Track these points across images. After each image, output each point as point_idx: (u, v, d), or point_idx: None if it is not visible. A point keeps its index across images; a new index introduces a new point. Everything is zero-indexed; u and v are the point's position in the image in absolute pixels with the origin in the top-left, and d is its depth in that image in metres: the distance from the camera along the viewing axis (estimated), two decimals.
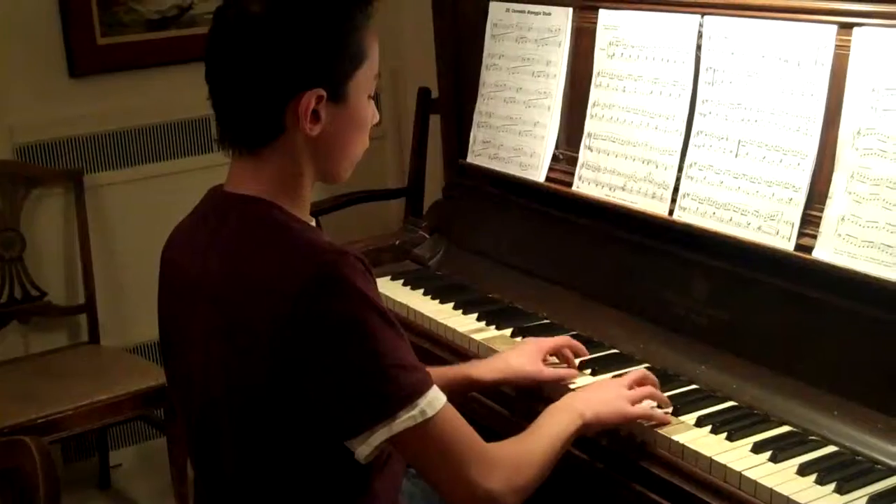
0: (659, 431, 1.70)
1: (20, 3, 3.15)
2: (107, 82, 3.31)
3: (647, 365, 1.92)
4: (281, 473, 1.49)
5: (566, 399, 1.73)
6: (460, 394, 1.88)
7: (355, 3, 1.48)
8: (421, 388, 1.44)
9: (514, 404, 1.94)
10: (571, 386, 1.87)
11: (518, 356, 1.90)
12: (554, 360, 1.94)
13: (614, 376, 1.86)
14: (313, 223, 1.56)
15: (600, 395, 1.73)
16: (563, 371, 1.90)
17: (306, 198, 1.55)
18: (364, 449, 1.43)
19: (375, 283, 1.46)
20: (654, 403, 1.75)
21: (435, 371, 1.89)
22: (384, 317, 1.42)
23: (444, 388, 1.86)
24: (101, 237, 3.36)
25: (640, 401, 1.73)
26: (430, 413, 1.43)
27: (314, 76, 1.45)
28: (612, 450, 1.74)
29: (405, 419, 1.41)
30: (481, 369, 1.89)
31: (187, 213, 1.64)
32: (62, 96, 3.26)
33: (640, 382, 1.77)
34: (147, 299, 3.31)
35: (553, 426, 1.63)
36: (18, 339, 3.29)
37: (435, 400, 1.45)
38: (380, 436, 1.42)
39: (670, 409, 1.75)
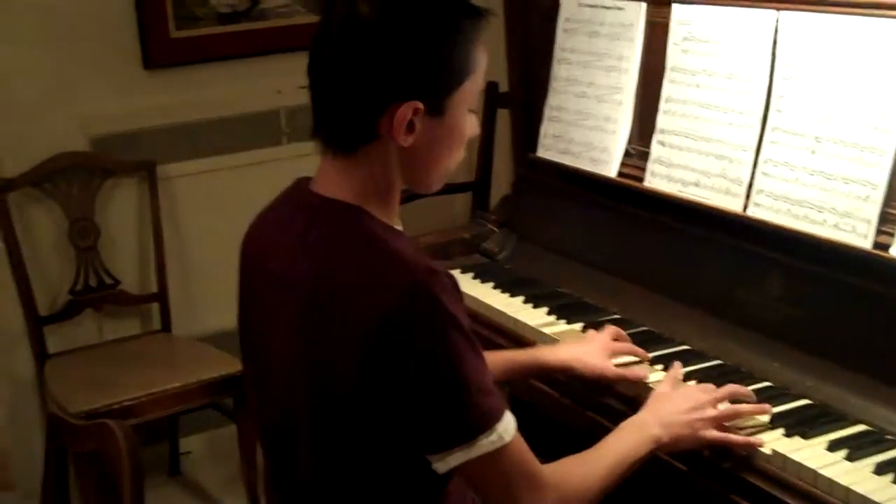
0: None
1: None
2: (180, 74, 3.36)
3: (719, 361, 1.92)
4: (358, 473, 1.50)
5: (644, 416, 1.69)
6: (529, 377, 1.92)
7: (465, 17, 1.45)
8: (499, 414, 1.44)
9: (579, 394, 1.95)
10: (649, 384, 1.86)
11: (588, 349, 1.91)
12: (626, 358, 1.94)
13: (686, 376, 1.84)
14: (400, 227, 1.55)
15: (682, 415, 1.67)
16: (631, 371, 1.90)
17: (395, 204, 1.54)
18: (440, 466, 1.44)
19: (462, 300, 1.45)
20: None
21: (504, 354, 1.93)
22: (469, 339, 1.42)
23: (514, 371, 1.89)
24: (173, 227, 3.41)
25: (726, 420, 1.69)
26: (507, 439, 1.44)
27: (414, 88, 1.42)
28: None
29: (485, 444, 1.42)
30: (550, 355, 1.91)
31: (267, 205, 1.63)
32: (136, 88, 3.31)
33: (731, 399, 1.72)
34: (218, 289, 3.41)
35: (622, 448, 1.61)
36: (92, 326, 3.36)
37: (510, 425, 1.45)
38: (457, 458, 1.43)
39: (761, 434, 1.68)
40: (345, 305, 1.41)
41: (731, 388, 1.75)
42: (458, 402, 1.41)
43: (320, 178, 1.53)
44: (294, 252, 1.50)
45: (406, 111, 1.42)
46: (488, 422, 1.43)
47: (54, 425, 1.76)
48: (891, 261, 1.72)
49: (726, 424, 1.69)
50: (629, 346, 1.96)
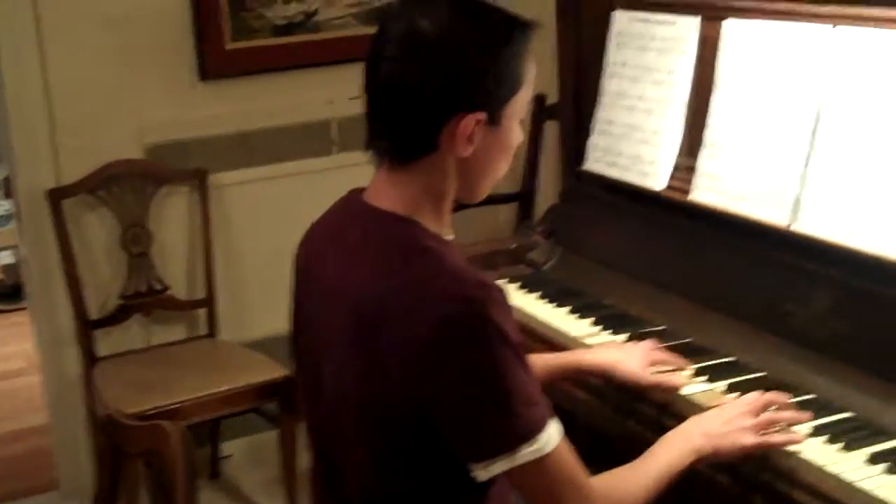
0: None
1: (156, 9, 3.28)
2: (234, 85, 3.42)
3: (763, 373, 1.92)
4: (404, 477, 1.52)
5: (687, 427, 1.70)
6: (566, 378, 1.97)
7: (517, 30, 1.49)
8: (542, 425, 1.46)
9: (614, 400, 1.97)
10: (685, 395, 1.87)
11: (627, 355, 1.94)
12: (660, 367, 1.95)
13: (730, 388, 1.85)
14: (451, 236, 1.57)
15: (722, 426, 1.69)
16: (666, 378, 1.91)
17: (447, 214, 1.56)
18: (482, 474, 1.47)
19: (513, 315, 1.47)
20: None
21: (543, 357, 1.96)
22: (517, 352, 1.45)
23: (552, 372, 1.91)
24: (223, 235, 3.46)
25: (765, 428, 1.70)
26: (548, 449, 1.46)
27: (476, 100, 1.46)
28: None
29: (526, 453, 1.44)
30: (590, 357, 1.96)
31: (321, 215, 1.66)
32: (191, 99, 3.37)
33: (768, 406, 1.73)
34: (264, 296, 3.47)
35: (667, 460, 1.63)
36: (140, 330, 3.41)
37: (553, 435, 1.47)
38: (499, 466, 1.45)
39: (801, 432, 1.70)
40: (398, 316, 1.44)
41: (769, 395, 1.75)
42: (502, 412, 1.43)
43: (374, 190, 1.56)
44: (348, 261, 1.53)
45: (469, 122, 1.46)
46: (531, 432, 1.45)
47: (109, 426, 1.80)
48: None
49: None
50: (668, 354, 1.98)
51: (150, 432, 1.71)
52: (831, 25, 1.95)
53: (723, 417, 1.71)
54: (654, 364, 1.94)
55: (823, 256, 1.91)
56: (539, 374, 1.79)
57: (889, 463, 1.61)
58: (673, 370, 1.94)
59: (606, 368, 1.93)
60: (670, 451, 1.65)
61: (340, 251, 1.56)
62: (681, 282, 2.20)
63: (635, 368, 1.91)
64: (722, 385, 1.89)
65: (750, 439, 1.67)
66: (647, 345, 1.99)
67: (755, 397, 1.75)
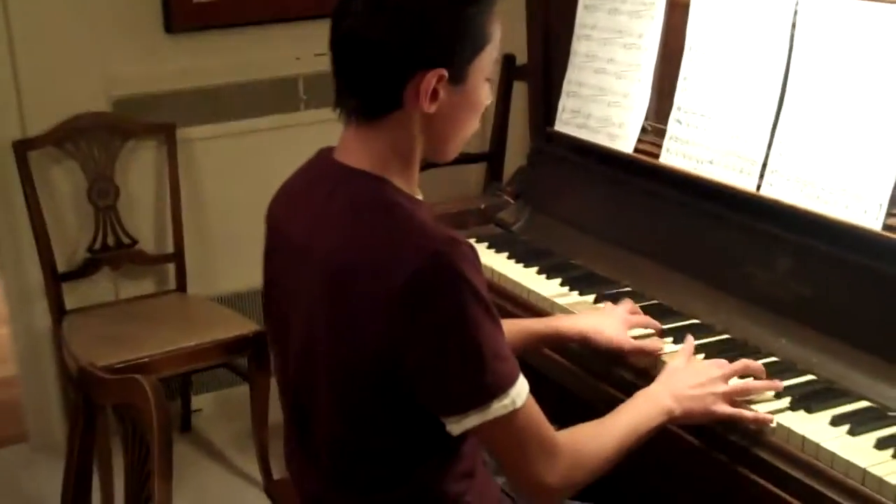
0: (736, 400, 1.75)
1: None
2: (201, 39, 3.40)
3: (727, 336, 1.97)
4: (374, 432, 1.55)
5: (657, 387, 1.73)
6: (545, 345, 1.97)
7: None
8: (512, 379, 1.49)
9: (589, 364, 2.00)
10: (662, 357, 1.90)
11: (606, 321, 1.95)
12: (639, 331, 1.98)
13: (697, 349, 1.89)
14: (420, 196, 1.60)
15: (694, 389, 1.71)
16: (647, 343, 1.94)
17: (416, 173, 1.59)
18: (455, 428, 1.50)
19: (481, 270, 1.50)
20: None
21: (522, 323, 1.98)
22: (487, 308, 1.47)
23: (531, 340, 1.93)
24: (191, 189, 3.46)
25: (737, 397, 1.73)
26: (518, 403, 1.49)
27: (438, 57, 1.48)
28: None
29: (497, 408, 1.47)
30: (568, 323, 1.96)
31: (292, 174, 1.68)
32: (158, 52, 3.36)
33: (743, 375, 1.76)
34: (233, 251, 3.48)
35: (635, 418, 1.66)
36: (109, 284, 3.42)
37: (522, 391, 1.50)
38: (472, 420, 1.48)
39: (772, 413, 1.71)
40: (367, 272, 1.46)
41: (743, 362, 1.78)
42: (474, 366, 1.46)
43: (343, 149, 1.58)
44: (318, 219, 1.56)
45: (431, 78, 1.48)
46: (502, 386, 1.48)
47: (83, 379, 1.82)
48: None
49: (737, 399, 1.73)
50: (646, 318, 2.00)
51: (125, 385, 1.72)
52: None
53: (695, 379, 1.73)
54: (632, 327, 1.97)
55: (788, 221, 1.95)
56: (516, 339, 1.83)
57: (850, 424, 1.66)
58: (652, 334, 1.98)
59: (586, 335, 1.94)
60: (640, 411, 1.68)
61: (309, 208, 1.58)
62: (648, 243, 2.24)
63: (615, 334, 1.93)
64: (702, 360, 1.91)
65: (721, 408, 1.70)
66: (624, 308, 2.01)
67: (730, 363, 1.77)
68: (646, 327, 1.99)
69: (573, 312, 2.10)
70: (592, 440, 1.61)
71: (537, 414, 1.54)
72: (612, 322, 1.96)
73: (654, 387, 1.74)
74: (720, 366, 1.77)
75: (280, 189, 1.70)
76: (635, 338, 1.95)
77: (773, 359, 1.88)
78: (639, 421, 1.66)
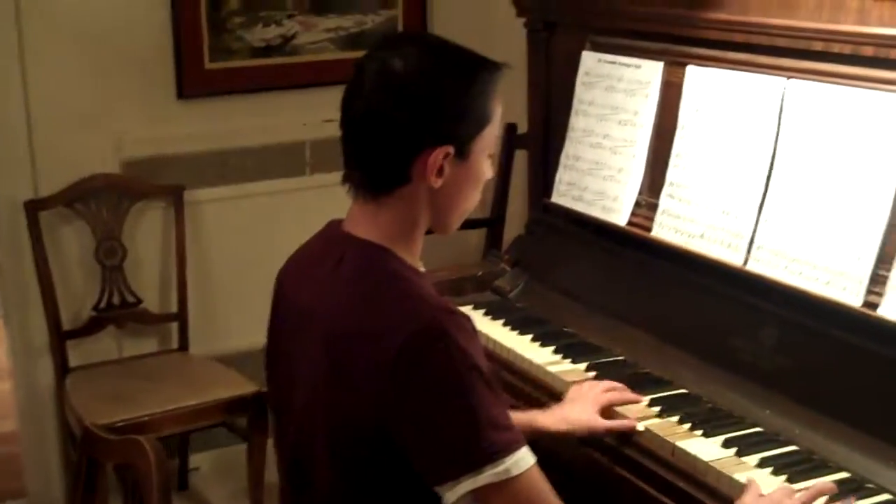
0: (721, 470, 1.79)
1: (136, 28, 3.35)
2: (211, 104, 3.49)
3: (711, 405, 2.02)
4: (373, 497, 1.58)
5: None
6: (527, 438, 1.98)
7: (484, 70, 1.59)
8: (509, 448, 1.50)
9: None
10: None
11: (574, 408, 1.98)
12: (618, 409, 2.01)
13: (680, 420, 1.94)
14: (422, 268, 1.66)
15: None
16: (617, 423, 1.96)
17: (419, 244, 1.65)
18: (450, 496, 1.51)
19: (480, 343, 1.54)
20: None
21: None
22: (483, 377, 1.50)
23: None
24: (197, 250, 3.53)
25: None
26: (514, 472, 1.50)
27: (445, 134, 1.55)
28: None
29: (489, 475, 1.49)
30: (546, 420, 1.96)
31: (304, 242, 1.74)
32: (169, 116, 3.44)
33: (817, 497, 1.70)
34: (236, 312, 3.53)
35: None
36: (113, 342, 3.47)
37: (522, 460, 1.51)
38: (464, 487, 1.49)
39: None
40: (365, 338, 1.51)
41: (818, 487, 1.71)
42: (466, 432, 1.49)
43: (351, 221, 1.65)
44: (324, 286, 1.62)
45: (439, 155, 1.55)
46: (497, 452, 1.49)
47: (86, 438, 1.86)
48: (878, 320, 1.82)
49: None
50: (619, 395, 2.03)
51: (128, 446, 1.77)
52: (786, 78, 2.05)
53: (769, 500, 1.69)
54: (606, 405, 1.99)
55: (773, 295, 2.01)
56: None
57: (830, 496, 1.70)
58: (628, 403, 2.01)
59: (564, 431, 1.94)
60: None
61: (317, 276, 1.64)
62: (639, 314, 2.30)
63: (584, 416, 1.95)
64: (674, 418, 1.98)
65: None
66: (598, 388, 2.03)
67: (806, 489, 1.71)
68: (620, 403, 2.02)
69: (565, 380, 2.15)
70: None
71: (543, 488, 1.55)
72: (581, 407, 1.97)
73: None
74: (792, 495, 1.69)
75: (289, 259, 1.76)
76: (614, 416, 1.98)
77: (758, 429, 1.93)
78: None
